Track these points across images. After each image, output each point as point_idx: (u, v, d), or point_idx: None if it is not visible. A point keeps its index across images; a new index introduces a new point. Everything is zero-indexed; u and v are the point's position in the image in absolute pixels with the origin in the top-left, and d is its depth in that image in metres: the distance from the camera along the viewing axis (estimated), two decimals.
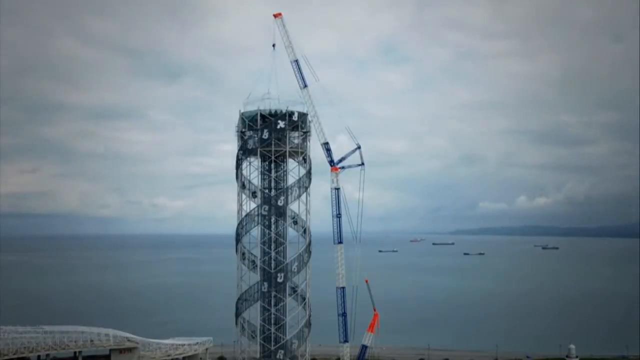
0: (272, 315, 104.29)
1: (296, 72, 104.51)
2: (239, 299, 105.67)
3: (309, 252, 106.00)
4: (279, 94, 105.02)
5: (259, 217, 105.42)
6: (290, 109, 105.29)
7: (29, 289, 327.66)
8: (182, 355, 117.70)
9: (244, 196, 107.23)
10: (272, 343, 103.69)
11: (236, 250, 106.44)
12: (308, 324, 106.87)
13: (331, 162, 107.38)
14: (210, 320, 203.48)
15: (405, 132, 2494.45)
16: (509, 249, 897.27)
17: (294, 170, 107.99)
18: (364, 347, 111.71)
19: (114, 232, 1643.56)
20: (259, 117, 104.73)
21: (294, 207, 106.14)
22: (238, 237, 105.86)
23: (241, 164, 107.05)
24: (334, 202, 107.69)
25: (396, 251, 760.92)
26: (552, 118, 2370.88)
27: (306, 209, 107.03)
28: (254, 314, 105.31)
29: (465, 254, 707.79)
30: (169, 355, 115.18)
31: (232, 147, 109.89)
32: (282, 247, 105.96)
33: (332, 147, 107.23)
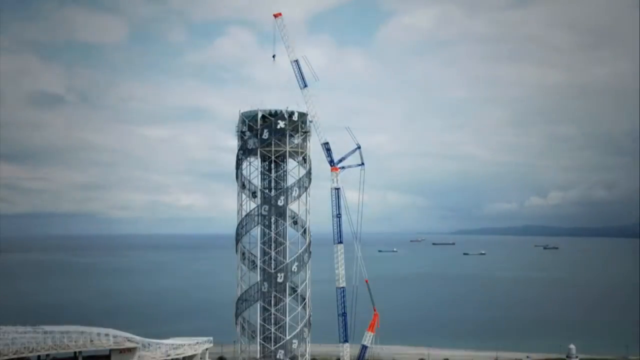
0: (272, 315, 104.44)
1: (296, 72, 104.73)
2: (238, 299, 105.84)
3: (309, 252, 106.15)
4: (279, 94, 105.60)
5: (259, 217, 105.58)
6: (290, 109, 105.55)
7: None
8: (182, 355, 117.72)
9: (244, 196, 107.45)
10: (272, 343, 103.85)
11: (236, 250, 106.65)
12: (308, 324, 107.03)
13: (331, 162, 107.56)
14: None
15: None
16: (509, 249, 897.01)
17: (293, 170, 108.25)
18: (364, 347, 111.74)
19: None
20: (259, 117, 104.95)
21: (294, 207, 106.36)
22: (238, 237, 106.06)
23: (241, 164, 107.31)
24: (334, 202, 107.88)
25: (396, 251, 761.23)
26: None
27: (306, 209, 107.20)
28: (254, 314, 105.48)
29: (464, 254, 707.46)
30: (168, 355, 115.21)
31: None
32: (282, 247, 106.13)
33: (333, 147, 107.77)
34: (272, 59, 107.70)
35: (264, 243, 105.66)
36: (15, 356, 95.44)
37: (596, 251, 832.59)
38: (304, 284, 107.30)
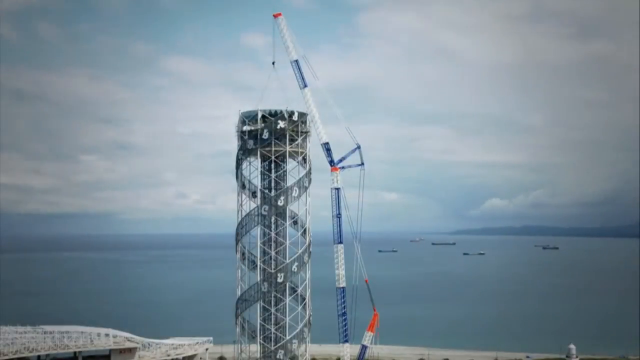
0: (272, 316, 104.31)
1: (296, 72, 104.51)
2: (239, 299, 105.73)
3: (309, 252, 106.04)
4: (279, 94, 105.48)
5: (259, 217, 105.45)
6: (290, 109, 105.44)
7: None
8: (182, 355, 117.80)
9: (244, 196, 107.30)
10: (272, 343, 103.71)
11: (236, 250, 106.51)
12: (308, 324, 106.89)
13: (331, 162, 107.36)
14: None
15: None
16: (509, 249, 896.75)
17: (293, 170, 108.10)
18: (364, 347, 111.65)
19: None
20: (259, 117, 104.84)
21: (294, 207, 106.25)
22: (238, 237, 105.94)
23: (241, 164, 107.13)
24: (334, 202, 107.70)
25: (396, 251, 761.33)
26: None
27: (306, 209, 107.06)
28: (254, 314, 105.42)
29: (464, 254, 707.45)
30: (168, 355, 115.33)
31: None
32: (282, 247, 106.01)
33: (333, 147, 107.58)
34: (272, 65, 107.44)
35: (264, 243, 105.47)
36: (15, 356, 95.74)
37: (596, 251, 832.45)
38: (304, 284, 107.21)
